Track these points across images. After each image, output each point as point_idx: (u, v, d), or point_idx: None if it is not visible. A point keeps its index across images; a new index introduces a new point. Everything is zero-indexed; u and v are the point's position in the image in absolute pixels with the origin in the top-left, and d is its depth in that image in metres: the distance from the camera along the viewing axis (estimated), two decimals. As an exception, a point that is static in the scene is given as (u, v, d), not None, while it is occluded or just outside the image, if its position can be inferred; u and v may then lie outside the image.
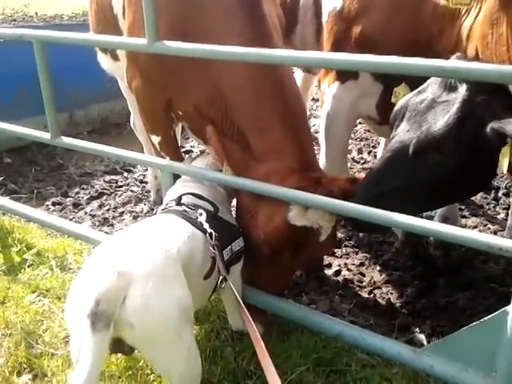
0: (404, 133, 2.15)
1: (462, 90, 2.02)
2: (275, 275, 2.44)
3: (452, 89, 2.06)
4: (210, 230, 2.03)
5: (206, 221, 2.07)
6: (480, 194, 4.05)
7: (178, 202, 2.23)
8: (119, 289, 1.60)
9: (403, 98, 2.28)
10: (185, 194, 2.30)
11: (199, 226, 2.05)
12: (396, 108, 2.28)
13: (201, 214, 2.11)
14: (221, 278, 2.05)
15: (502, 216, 3.80)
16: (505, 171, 1.94)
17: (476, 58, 2.19)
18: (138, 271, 1.65)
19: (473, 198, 4.00)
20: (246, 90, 2.45)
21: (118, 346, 1.72)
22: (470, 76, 1.76)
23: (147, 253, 1.75)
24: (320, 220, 2.29)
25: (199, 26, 2.53)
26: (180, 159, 3.07)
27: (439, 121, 2.03)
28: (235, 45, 2.19)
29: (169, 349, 1.72)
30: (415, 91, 2.23)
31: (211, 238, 2.01)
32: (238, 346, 2.28)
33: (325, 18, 2.96)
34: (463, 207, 3.91)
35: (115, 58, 3.39)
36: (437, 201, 2.33)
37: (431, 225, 1.97)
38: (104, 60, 3.75)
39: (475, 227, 3.66)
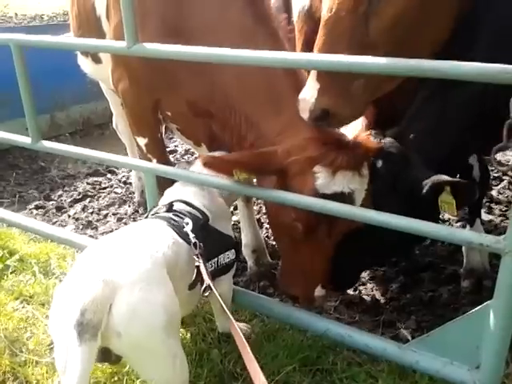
0: None
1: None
2: (315, 257, 2.34)
3: None
4: (194, 240, 1.97)
5: (192, 231, 2.01)
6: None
7: (168, 208, 2.17)
8: (105, 298, 1.57)
9: None
10: (176, 201, 2.23)
11: (184, 236, 2.00)
12: None
13: (187, 224, 2.04)
14: (204, 285, 1.93)
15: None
16: (455, 213, 2.10)
17: None
18: (123, 278, 1.63)
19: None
20: (253, 76, 2.35)
21: (105, 355, 1.70)
22: (446, 75, 1.76)
23: (132, 259, 1.72)
24: (350, 183, 2.19)
25: (194, 25, 2.44)
26: (167, 161, 3.04)
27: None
28: (235, 46, 2.12)
29: (155, 356, 1.70)
30: None
31: (195, 248, 1.96)
32: (225, 348, 2.28)
33: (295, 17, 2.96)
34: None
35: (97, 60, 3.33)
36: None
37: (414, 222, 1.99)
38: (85, 63, 3.69)
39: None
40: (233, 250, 2.23)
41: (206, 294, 1.90)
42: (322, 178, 2.17)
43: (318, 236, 2.28)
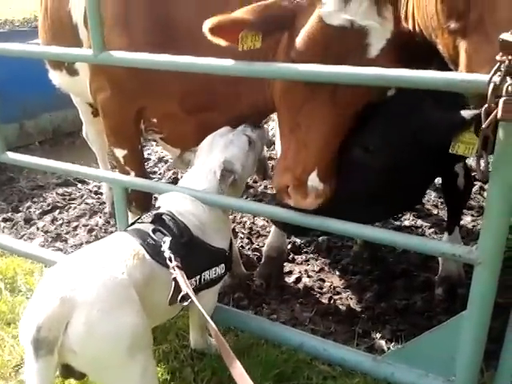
0: None
1: None
2: (313, 128, 2.01)
3: None
4: (169, 255, 1.88)
5: (171, 248, 1.91)
6: (434, 195, 4.13)
7: (153, 220, 2.07)
8: (61, 316, 1.58)
9: None
10: (163, 213, 2.10)
11: (158, 255, 1.91)
12: None
13: (164, 242, 1.94)
14: (182, 294, 1.82)
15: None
16: (473, 155, 1.87)
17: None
18: (82, 297, 1.62)
19: (429, 200, 4.09)
20: None
21: (68, 370, 1.70)
22: (413, 84, 1.76)
23: (94, 278, 1.69)
24: (365, 15, 1.83)
25: (190, 29, 2.28)
26: (144, 173, 2.95)
27: None
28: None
29: (119, 374, 1.69)
30: None
31: (170, 261, 1.87)
32: (198, 365, 2.22)
33: None
34: (417, 207, 3.99)
35: (72, 73, 3.15)
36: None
37: (385, 233, 1.98)
38: (57, 77, 3.50)
39: (431, 227, 3.73)
40: (222, 265, 2.15)
41: (186, 303, 1.82)
42: (329, 3, 1.84)
43: (321, 100, 1.97)
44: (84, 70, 2.89)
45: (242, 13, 1.96)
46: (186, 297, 1.78)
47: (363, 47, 1.88)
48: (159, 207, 2.19)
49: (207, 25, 1.90)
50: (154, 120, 2.70)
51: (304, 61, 1.92)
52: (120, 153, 2.80)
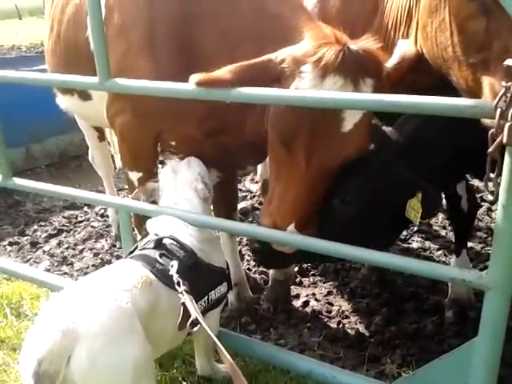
0: None
1: None
2: (290, 183, 2.07)
3: None
4: (177, 280, 1.88)
5: (178, 272, 1.92)
6: (442, 216, 4.10)
7: (156, 245, 2.07)
8: (63, 349, 1.55)
9: None
10: (165, 237, 2.10)
11: (167, 279, 1.91)
12: None
13: (172, 266, 1.94)
14: (191, 319, 1.81)
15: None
16: (417, 222, 2.02)
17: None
18: (84, 330, 1.59)
19: (437, 222, 4.07)
20: None
21: None
22: (419, 110, 1.76)
23: (97, 310, 1.66)
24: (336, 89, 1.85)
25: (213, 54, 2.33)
26: None
27: None
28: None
29: None
30: None
31: (179, 286, 1.87)
32: (205, 392, 2.19)
33: None
34: (425, 228, 3.96)
35: (85, 97, 3.14)
36: None
37: (394, 258, 1.96)
38: (67, 101, 3.48)
39: (439, 249, 3.69)
40: (224, 283, 2.18)
41: (196, 328, 1.79)
42: (307, 79, 1.89)
43: (294, 159, 2.04)
44: (98, 94, 2.90)
45: (223, 72, 2.03)
46: (195, 322, 1.77)
47: (337, 121, 1.94)
48: (157, 233, 2.18)
49: (193, 79, 2.01)
50: (173, 143, 2.72)
51: (280, 129, 2.04)
52: (135, 176, 2.79)
